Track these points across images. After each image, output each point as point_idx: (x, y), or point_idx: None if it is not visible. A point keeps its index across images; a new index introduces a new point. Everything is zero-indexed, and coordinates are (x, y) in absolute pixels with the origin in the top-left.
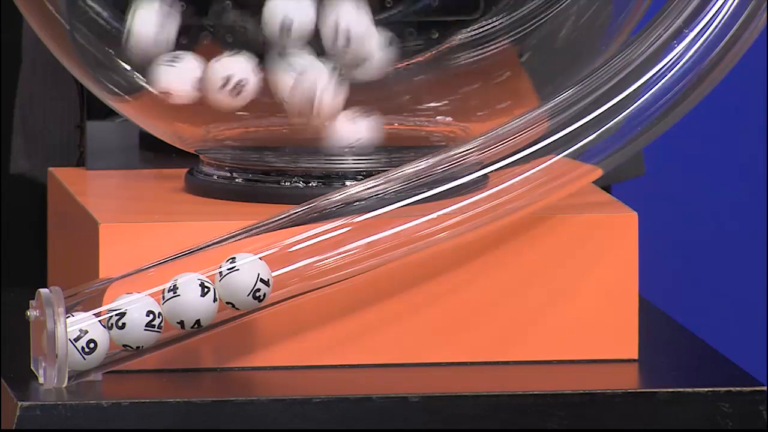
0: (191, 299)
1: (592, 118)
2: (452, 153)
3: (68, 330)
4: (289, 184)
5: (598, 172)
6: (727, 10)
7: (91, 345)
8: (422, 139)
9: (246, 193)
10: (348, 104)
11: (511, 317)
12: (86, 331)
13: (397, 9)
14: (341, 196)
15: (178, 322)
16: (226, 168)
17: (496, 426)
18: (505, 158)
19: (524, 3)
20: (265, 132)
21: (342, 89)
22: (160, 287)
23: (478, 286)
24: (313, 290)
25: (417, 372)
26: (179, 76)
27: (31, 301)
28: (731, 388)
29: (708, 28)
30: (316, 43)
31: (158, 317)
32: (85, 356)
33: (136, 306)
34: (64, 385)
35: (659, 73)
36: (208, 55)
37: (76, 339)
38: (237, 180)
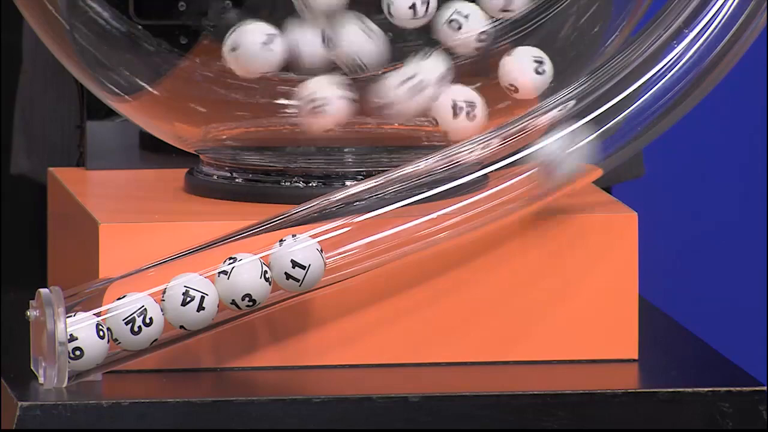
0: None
1: (592, 118)
2: (452, 153)
3: (68, 330)
4: (289, 184)
5: (598, 172)
6: (727, 10)
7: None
8: (422, 139)
9: (246, 193)
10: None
11: (511, 317)
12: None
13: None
14: (341, 196)
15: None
16: (226, 168)
17: (496, 426)
18: (505, 158)
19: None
20: (265, 132)
21: None
22: (161, 287)
23: (478, 286)
24: (314, 290)
25: (417, 372)
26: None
27: (31, 301)
28: (731, 388)
29: (708, 28)
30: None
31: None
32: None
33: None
34: (64, 385)
35: (659, 73)
36: (208, 54)
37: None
38: (237, 180)
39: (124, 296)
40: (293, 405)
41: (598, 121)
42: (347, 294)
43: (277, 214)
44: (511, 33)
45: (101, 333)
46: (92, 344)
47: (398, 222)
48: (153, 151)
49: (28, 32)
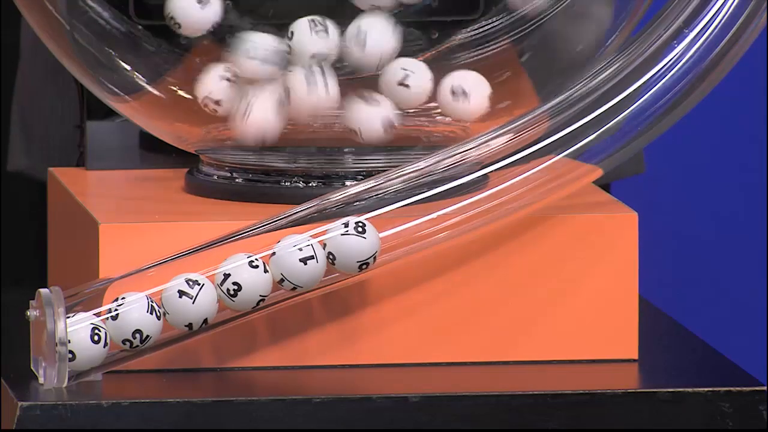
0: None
1: (592, 118)
2: (452, 153)
3: (68, 330)
4: (289, 184)
5: (598, 172)
6: (727, 10)
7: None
8: (422, 139)
9: (246, 193)
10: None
11: (511, 317)
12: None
13: (397, 9)
14: (341, 196)
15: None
16: (226, 168)
17: (496, 426)
18: (505, 158)
19: (524, 3)
20: None
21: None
22: (160, 287)
23: (478, 286)
24: (314, 290)
25: (417, 372)
26: None
27: (31, 301)
28: (731, 388)
29: (708, 28)
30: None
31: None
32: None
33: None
34: (64, 385)
35: (659, 73)
36: (208, 55)
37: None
38: (237, 180)
39: (123, 297)
40: (293, 405)
41: (598, 121)
42: (347, 294)
43: (277, 214)
44: (511, 33)
45: (96, 337)
46: (85, 348)
47: (398, 222)
48: (153, 151)
49: (26, 31)
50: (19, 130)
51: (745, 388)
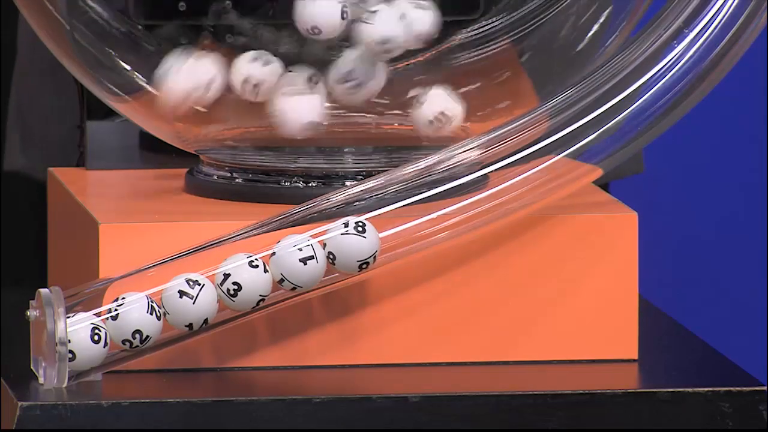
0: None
1: (592, 118)
2: (452, 153)
3: (68, 330)
4: (289, 184)
5: (598, 172)
6: (727, 10)
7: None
8: (422, 139)
9: (246, 193)
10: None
11: (511, 317)
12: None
13: None
14: (341, 196)
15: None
16: (226, 168)
17: (496, 426)
18: (505, 158)
19: (524, 3)
20: (264, 132)
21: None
22: (160, 287)
23: (478, 286)
24: (314, 290)
25: (417, 372)
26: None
27: (31, 301)
28: (731, 388)
29: (708, 28)
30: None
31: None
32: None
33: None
34: (64, 385)
35: (659, 73)
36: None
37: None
38: (237, 180)
39: (123, 297)
40: (293, 405)
41: (598, 121)
42: (347, 294)
43: (277, 214)
44: (511, 33)
45: (96, 337)
46: (85, 348)
47: (398, 222)
48: (153, 151)
49: (24, 29)
50: (16, 129)
51: (745, 388)
